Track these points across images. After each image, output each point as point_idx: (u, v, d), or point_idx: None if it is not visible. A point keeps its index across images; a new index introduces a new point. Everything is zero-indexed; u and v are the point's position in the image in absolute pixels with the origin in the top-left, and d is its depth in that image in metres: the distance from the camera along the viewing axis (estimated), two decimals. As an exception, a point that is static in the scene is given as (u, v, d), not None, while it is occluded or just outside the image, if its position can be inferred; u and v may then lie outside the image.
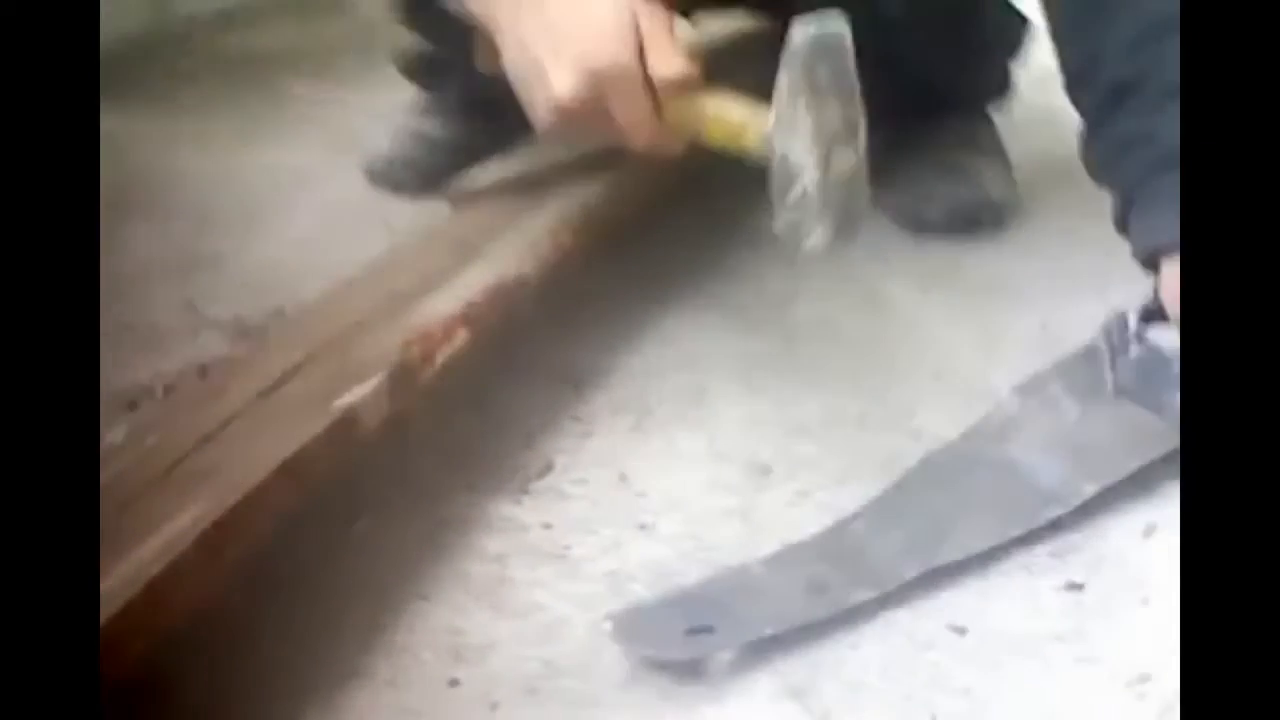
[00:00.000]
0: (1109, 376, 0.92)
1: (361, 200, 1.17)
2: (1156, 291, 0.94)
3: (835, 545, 0.82)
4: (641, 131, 0.80)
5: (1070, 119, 0.99)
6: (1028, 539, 0.82)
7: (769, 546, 0.82)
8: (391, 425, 0.82)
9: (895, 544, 0.81)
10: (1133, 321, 0.93)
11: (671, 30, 0.78)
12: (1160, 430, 0.88)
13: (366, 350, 0.86)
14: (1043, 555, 0.81)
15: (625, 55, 0.77)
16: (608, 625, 0.75)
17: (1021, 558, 0.81)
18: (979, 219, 1.17)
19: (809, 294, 1.10)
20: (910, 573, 0.79)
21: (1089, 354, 0.94)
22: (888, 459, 0.89)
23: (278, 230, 1.20)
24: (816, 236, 0.74)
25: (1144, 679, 0.72)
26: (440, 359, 0.86)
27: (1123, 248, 1.02)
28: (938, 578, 0.79)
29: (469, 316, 0.89)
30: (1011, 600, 0.79)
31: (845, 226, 0.75)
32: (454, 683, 0.73)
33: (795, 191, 0.73)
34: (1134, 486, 0.86)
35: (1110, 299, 1.05)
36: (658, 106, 0.78)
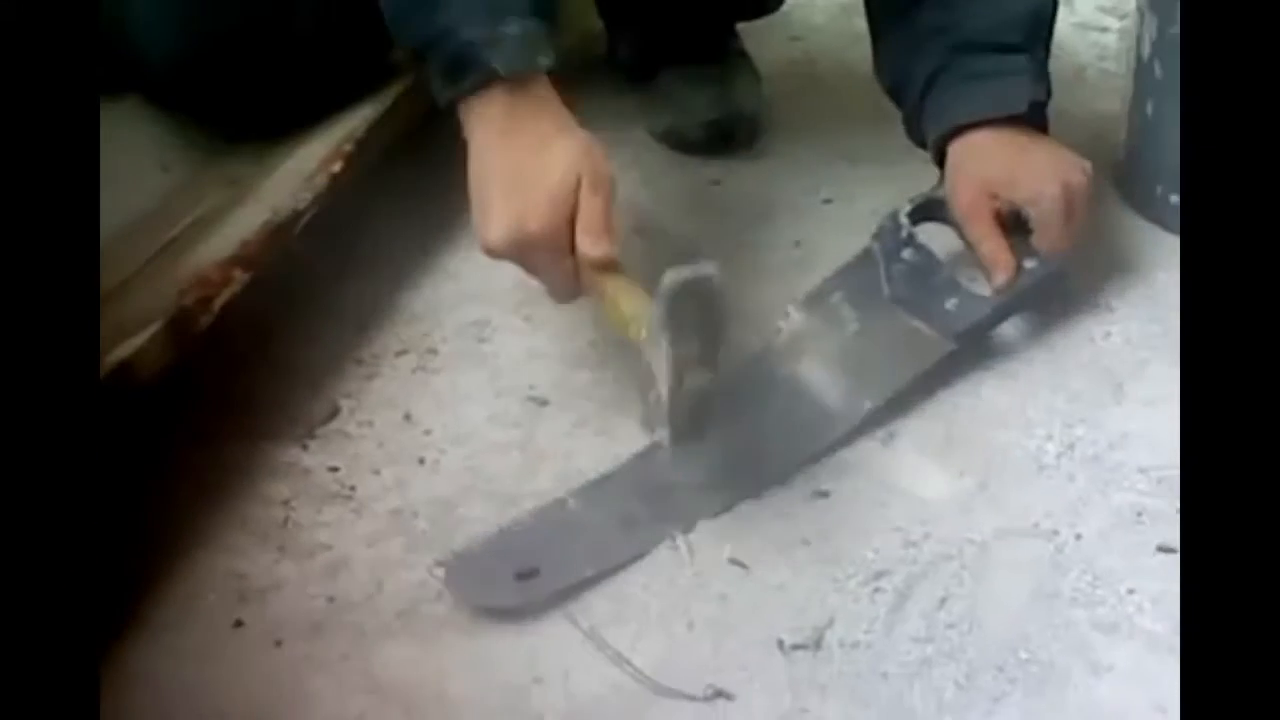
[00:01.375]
0: (884, 283, 0.97)
1: (135, 138, 1.14)
2: (928, 192, 0.99)
3: (643, 478, 0.87)
4: (556, 290, 0.87)
5: (820, 33, 1.03)
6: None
7: (547, 476, 0.88)
8: (173, 376, 0.83)
9: (699, 478, 0.86)
10: (904, 222, 0.99)
11: (606, 207, 0.85)
12: (930, 339, 0.94)
13: (143, 301, 0.86)
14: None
15: (554, 226, 0.83)
16: (439, 573, 0.80)
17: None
18: (734, 135, 1.23)
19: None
20: (714, 509, 0.85)
21: (866, 258, 0.99)
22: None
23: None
24: (663, 436, 0.84)
25: (879, 575, 0.81)
26: (219, 304, 0.87)
27: (868, 157, 1.08)
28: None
29: (245, 257, 0.90)
30: (765, 510, 0.86)
31: (692, 428, 0.84)
32: (238, 624, 0.76)
33: (652, 395, 0.83)
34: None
35: (859, 209, 1.11)
36: (576, 269, 0.86)
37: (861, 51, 1.10)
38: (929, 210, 0.99)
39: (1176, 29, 1.04)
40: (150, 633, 0.75)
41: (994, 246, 0.96)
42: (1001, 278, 0.96)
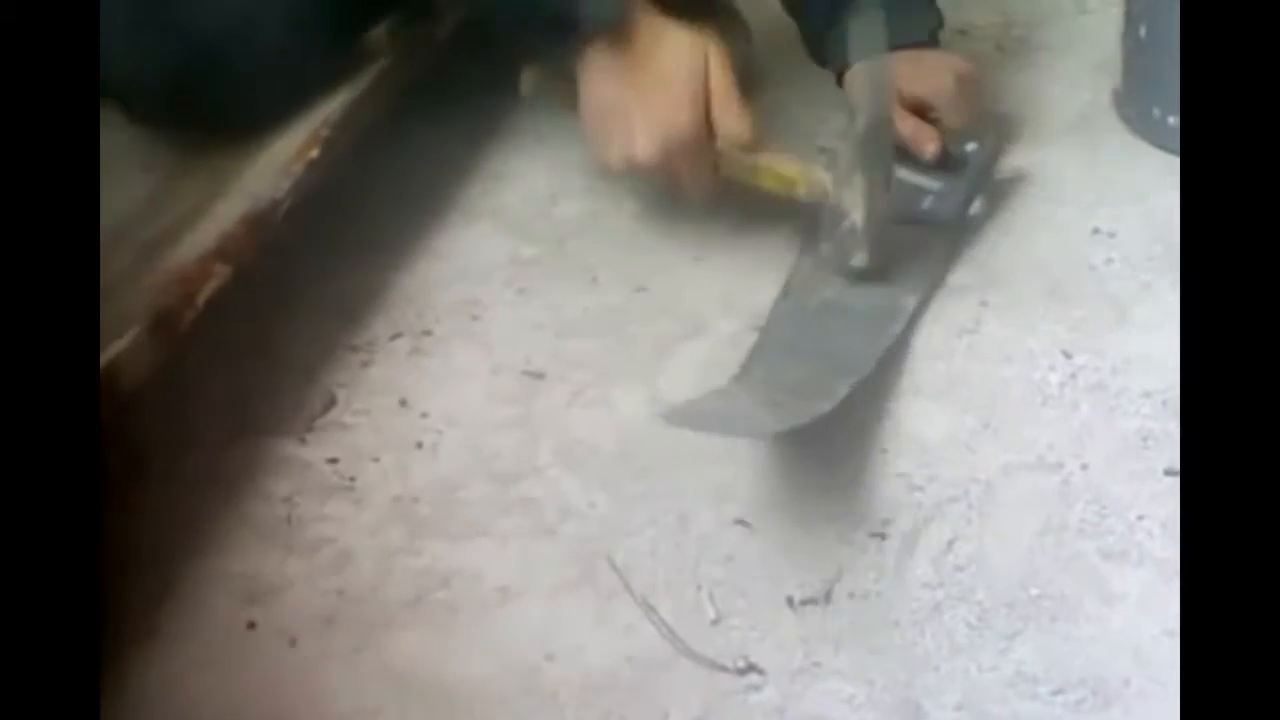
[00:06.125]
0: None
1: (116, 141, 1.14)
2: None
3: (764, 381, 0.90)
4: (700, 188, 0.92)
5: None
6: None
7: (547, 451, 0.87)
8: (161, 376, 0.82)
9: (780, 396, 0.88)
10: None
11: (738, 87, 0.90)
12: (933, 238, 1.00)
13: (125, 305, 0.84)
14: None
15: (697, 124, 0.89)
16: (660, 413, 0.86)
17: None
18: None
19: (572, 191, 1.13)
20: (844, 390, 0.85)
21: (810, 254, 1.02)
22: (654, 349, 0.95)
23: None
24: (861, 259, 0.95)
25: (885, 524, 0.81)
26: (202, 299, 0.85)
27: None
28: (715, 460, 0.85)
29: (225, 250, 0.89)
30: (767, 467, 0.85)
31: (879, 248, 0.95)
32: (251, 625, 0.77)
33: (844, 226, 0.93)
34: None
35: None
36: (717, 163, 0.91)
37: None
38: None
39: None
40: (165, 643, 0.75)
41: (911, 124, 1.02)
42: (931, 146, 1.01)
